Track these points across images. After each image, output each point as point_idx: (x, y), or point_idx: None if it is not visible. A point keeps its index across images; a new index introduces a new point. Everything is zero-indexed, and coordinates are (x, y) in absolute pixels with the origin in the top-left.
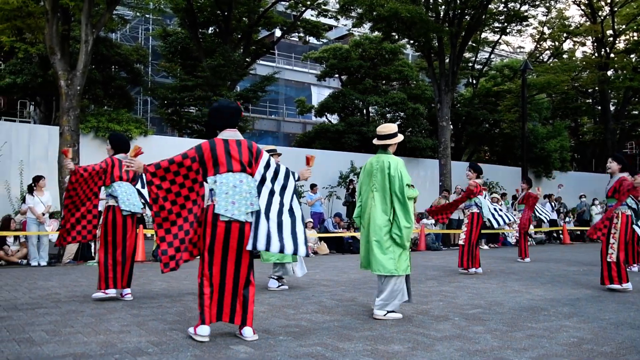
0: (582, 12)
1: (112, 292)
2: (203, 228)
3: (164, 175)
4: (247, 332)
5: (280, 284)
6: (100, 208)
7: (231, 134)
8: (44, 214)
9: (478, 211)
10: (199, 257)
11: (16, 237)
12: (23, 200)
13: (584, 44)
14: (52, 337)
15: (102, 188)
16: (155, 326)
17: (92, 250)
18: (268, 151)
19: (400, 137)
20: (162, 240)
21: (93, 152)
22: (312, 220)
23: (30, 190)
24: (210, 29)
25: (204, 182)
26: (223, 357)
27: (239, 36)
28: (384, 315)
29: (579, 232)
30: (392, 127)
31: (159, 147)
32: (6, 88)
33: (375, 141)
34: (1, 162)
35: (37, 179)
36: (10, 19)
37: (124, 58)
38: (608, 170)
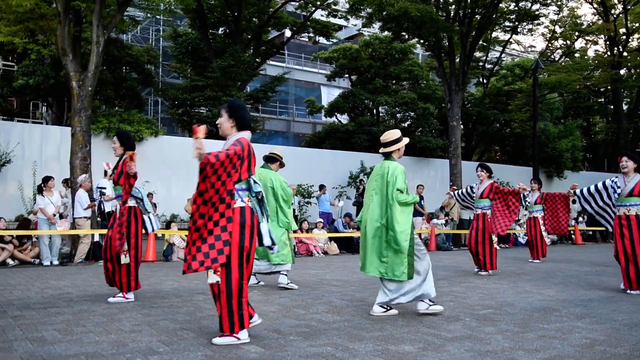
0: (595, 11)
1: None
2: (241, 229)
3: (217, 169)
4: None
5: (289, 281)
6: (108, 208)
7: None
8: (54, 215)
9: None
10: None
11: (28, 237)
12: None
13: (596, 43)
14: (64, 336)
15: (111, 186)
16: (166, 326)
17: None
18: (273, 157)
19: (404, 141)
20: (198, 250)
21: (104, 153)
22: (322, 220)
23: (40, 190)
24: (221, 29)
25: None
26: (234, 357)
27: (249, 37)
28: (383, 312)
29: (591, 232)
30: (394, 134)
31: (170, 148)
32: (19, 89)
33: (380, 150)
34: (14, 162)
35: (46, 179)
36: (24, 21)
37: (134, 59)
38: (624, 170)
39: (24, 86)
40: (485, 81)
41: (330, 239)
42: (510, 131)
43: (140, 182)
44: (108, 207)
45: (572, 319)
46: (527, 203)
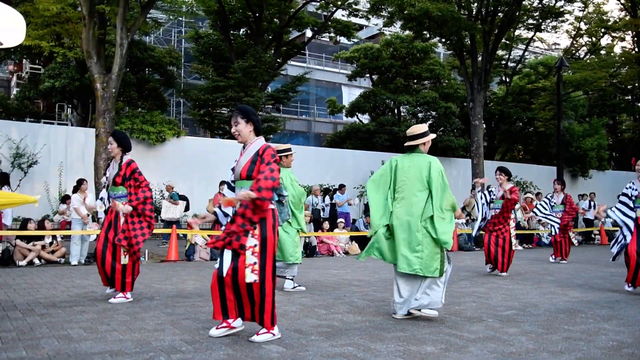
0: (622, 6)
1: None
2: (273, 232)
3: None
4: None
5: (296, 285)
6: (101, 210)
7: None
8: (88, 215)
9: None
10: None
11: (54, 237)
12: (62, 201)
13: (623, 39)
14: (89, 334)
15: (106, 189)
16: (188, 325)
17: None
18: (281, 151)
19: (430, 136)
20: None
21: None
22: (342, 220)
23: (75, 191)
24: (242, 30)
25: None
26: (255, 356)
27: (270, 37)
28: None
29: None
30: (420, 127)
31: (192, 148)
32: (45, 92)
33: (406, 144)
34: (40, 163)
35: (80, 182)
36: (50, 24)
37: (157, 60)
38: None
39: (50, 88)
40: (508, 80)
41: (352, 238)
42: (533, 130)
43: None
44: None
45: (598, 321)
46: (552, 204)
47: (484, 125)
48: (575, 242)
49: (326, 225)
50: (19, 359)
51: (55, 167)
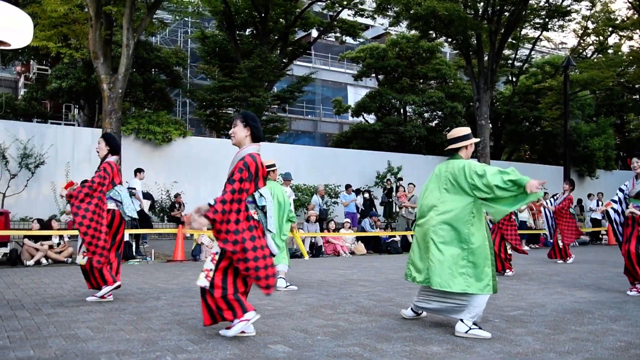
0: (630, 5)
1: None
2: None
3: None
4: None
5: (288, 284)
6: (138, 208)
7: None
8: None
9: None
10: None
11: (61, 237)
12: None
13: (631, 38)
14: (96, 333)
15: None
16: (194, 325)
17: (133, 250)
18: (268, 167)
19: (472, 140)
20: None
21: (134, 154)
22: (349, 220)
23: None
24: (248, 30)
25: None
26: (262, 356)
27: (276, 37)
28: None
29: None
30: (462, 130)
31: (198, 148)
32: (52, 92)
33: (446, 149)
34: (48, 163)
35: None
36: (57, 25)
37: (163, 61)
38: (637, 171)
39: (57, 89)
40: (514, 79)
41: (358, 238)
42: (540, 130)
43: (169, 182)
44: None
45: (606, 321)
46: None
47: (490, 125)
48: (575, 243)
49: (332, 225)
50: (26, 358)
51: (62, 167)
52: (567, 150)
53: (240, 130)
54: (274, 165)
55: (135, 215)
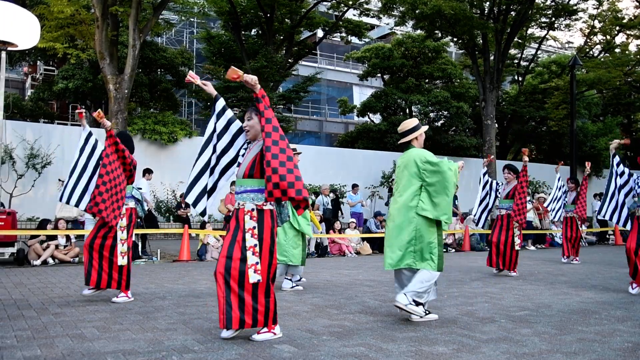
0: (637, 3)
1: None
2: (271, 233)
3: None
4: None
5: (294, 284)
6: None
7: None
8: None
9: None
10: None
11: (67, 237)
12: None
13: (638, 37)
14: (102, 333)
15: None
16: (200, 324)
17: (139, 250)
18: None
19: (422, 129)
20: None
21: (140, 154)
22: (354, 220)
23: None
24: (253, 31)
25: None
26: (267, 356)
27: (281, 37)
28: (405, 305)
29: None
30: (410, 122)
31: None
32: (59, 93)
33: (399, 142)
34: (54, 164)
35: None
36: (64, 26)
37: (169, 61)
38: None
39: (63, 90)
40: (520, 79)
41: (363, 239)
42: (546, 129)
43: (175, 182)
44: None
45: (613, 322)
46: (565, 201)
47: (496, 125)
48: (583, 242)
49: (337, 225)
50: (33, 358)
51: (69, 167)
52: (574, 149)
53: (257, 123)
54: (294, 150)
55: (144, 214)
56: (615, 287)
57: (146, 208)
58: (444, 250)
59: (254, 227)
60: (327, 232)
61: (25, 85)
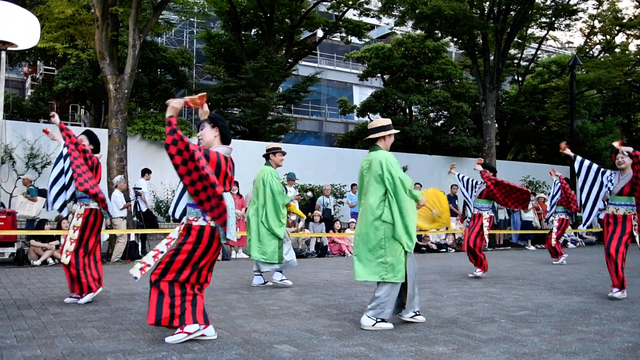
0: (637, 3)
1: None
2: (201, 246)
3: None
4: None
5: (283, 278)
6: (144, 208)
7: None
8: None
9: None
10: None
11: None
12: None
13: (638, 37)
14: (102, 333)
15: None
16: None
17: (139, 250)
18: (271, 150)
19: (391, 131)
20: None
21: (140, 154)
22: (354, 220)
23: None
24: (253, 31)
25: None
26: (267, 356)
27: (281, 37)
28: (372, 325)
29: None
30: (382, 121)
31: None
32: (59, 93)
33: (365, 138)
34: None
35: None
36: (64, 26)
37: (169, 61)
38: (621, 166)
39: (63, 90)
40: (520, 79)
41: None
42: (546, 129)
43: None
44: (144, 207)
45: (613, 322)
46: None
47: (496, 125)
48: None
49: (337, 225)
50: (33, 357)
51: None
52: (574, 150)
53: (208, 132)
54: (279, 149)
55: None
56: None
57: (144, 208)
58: (444, 250)
59: (174, 238)
60: (327, 232)
61: (25, 85)
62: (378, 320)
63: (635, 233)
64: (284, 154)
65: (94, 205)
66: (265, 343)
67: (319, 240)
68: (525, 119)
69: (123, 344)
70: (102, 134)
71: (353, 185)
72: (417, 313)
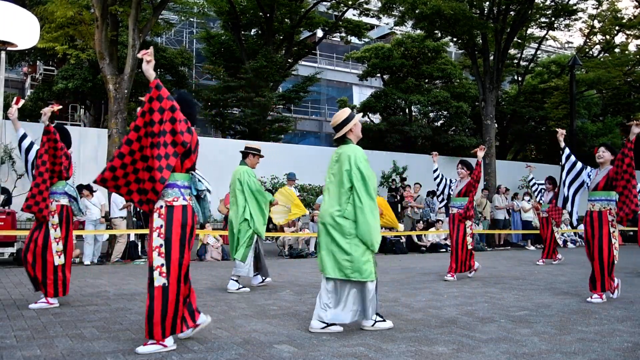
0: (637, 3)
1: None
2: (182, 230)
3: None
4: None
5: (240, 286)
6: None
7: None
8: (103, 216)
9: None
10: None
11: None
12: None
13: (637, 37)
14: (102, 333)
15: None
16: None
17: (139, 250)
18: (251, 150)
19: (356, 119)
20: None
21: None
22: None
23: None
24: (253, 30)
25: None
26: (267, 356)
27: (281, 37)
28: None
29: (631, 233)
30: (342, 114)
31: (203, 149)
32: (59, 93)
33: (334, 137)
34: None
35: (80, 189)
36: (64, 26)
37: (169, 61)
38: (599, 160)
39: (63, 90)
40: (520, 79)
41: None
42: (546, 129)
43: None
44: None
45: (613, 322)
46: (542, 202)
47: (496, 125)
48: (560, 242)
49: None
50: (33, 357)
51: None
52: (573, 150)
53: None
54: (259, 152)
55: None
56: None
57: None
58: (443, 250)
59: (161, 226)
60: None
61: (25, 85)
62: (377, 320)
63: (611, 228)
64: (261, 157)
65: (64, 201)
66: (265, 343)
67: (318, 240)
68: (525, 119)
69: (123, 344)
70: (102, 134)
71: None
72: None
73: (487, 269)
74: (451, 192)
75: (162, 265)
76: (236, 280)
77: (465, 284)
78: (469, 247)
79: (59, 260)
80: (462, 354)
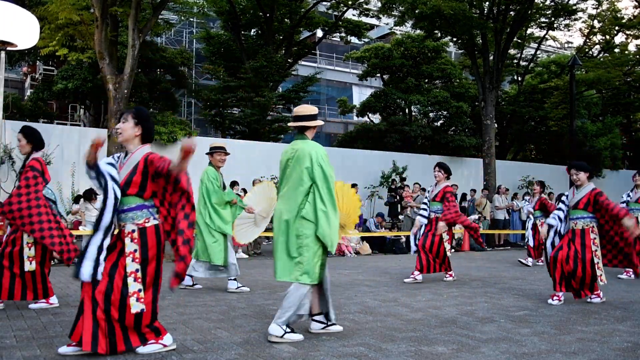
0: (637, 3)
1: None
2: (157, 250)
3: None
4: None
5: (240, 285)
6: None
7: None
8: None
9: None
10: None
11: None
12: (75, 200)
13: (637, 37)
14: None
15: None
16: (200, 324)
17: None
18: (212, 149)
19: (318, 122)
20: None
21: None
22: None
23: (86, 198)
24: (253, 30)
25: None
26: (267, 356)
27: (281, 37)
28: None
29: None
30: (311, 109)
31: (203, 149)
32: (59, 93)
33: (291, 124)
34: (54, 164)
35: (88, 194)
36: (64, 27)
37: (169, 61)
38: (577, 183)
39: (63, 90)
40: (519, 79)
41: (363, 238)
42: (546, 129)
43: None
44: None
45: (612, 322)
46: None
47: (496, 125)
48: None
49: None
50: (33, 358)
51: (68, 167)
52: (573, 149)
53: (130, 128)
54: (218, 149)
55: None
56: (614, 287)
57: None
58: None
59: (135, 250)
60: None
61: (25, 85)
62: (287, 330)
63: (593, 247)
64: (226, 154)
65: None
66: (265, 343)
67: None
68: (524, 119)
69: None
70: (102, 134)
71: (353, 185)
72: (332, 323)
73: (487, 269)
74: (427, 198)
75: (140, 290)
76: (234, 279)
77: (465, 284)
78: (448, 253)
79: (29, 267)
80: (462, 354)
